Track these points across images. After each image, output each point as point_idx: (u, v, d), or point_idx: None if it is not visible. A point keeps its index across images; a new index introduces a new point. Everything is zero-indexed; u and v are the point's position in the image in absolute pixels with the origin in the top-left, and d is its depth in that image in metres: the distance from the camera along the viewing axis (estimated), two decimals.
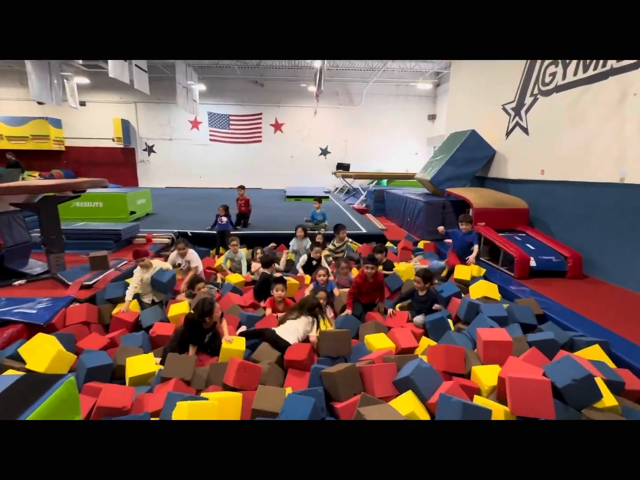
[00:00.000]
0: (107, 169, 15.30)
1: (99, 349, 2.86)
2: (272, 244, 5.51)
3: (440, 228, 4.78)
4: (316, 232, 5.98)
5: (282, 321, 3.08)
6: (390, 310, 3.49)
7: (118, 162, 15.74)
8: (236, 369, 2.33)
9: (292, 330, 2.94)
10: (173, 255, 4.49)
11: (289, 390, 2.29)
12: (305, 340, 2.93)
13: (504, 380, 2.19)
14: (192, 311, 2.88)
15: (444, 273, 4.55)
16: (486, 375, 2.38)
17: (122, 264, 4.57)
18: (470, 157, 7.04)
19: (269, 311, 3.48)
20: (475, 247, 4.66)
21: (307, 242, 5.13)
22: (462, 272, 4.32)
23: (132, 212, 6.91)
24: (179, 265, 4.42)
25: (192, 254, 4.49)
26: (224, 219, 5.96)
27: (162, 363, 2.65)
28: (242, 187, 7.13)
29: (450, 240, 5.13)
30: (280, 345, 2.81)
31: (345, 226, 5.24)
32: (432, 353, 2.61)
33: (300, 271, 4.58)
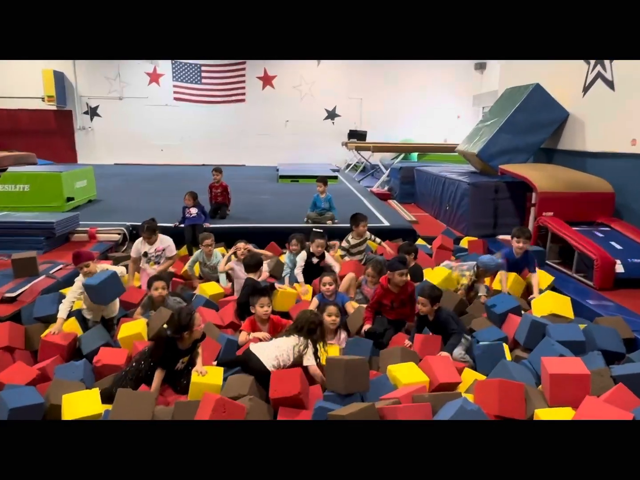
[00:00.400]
0: (34, 139, 15.39)
1: (25, 384, 2.88)
2: (265, 253, 5.21)
3: (503, 237, 4.42)
4: (320, 225, 5.99)
5: None
6: (406, 342, 3.49)
7: (50, 130, 15.82)
8: (212, 407, 2.35)
9: (271, 347, 2.95)
10: (137, 242, 4.65)
11: None
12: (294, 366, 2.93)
13: None
14: (164, 326, 2.94)
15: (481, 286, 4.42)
16: None
17: (57, 269, 4.61)
18: (533, 121, 7.01)
19: (244, 336, 3.44)
20: (534, 278, 4.23)
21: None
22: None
23: (70, 199, 6.96)
24: (146, 255, 4.55)
25: (166, 240, 4.64)
26: (194, 210, 5.97)
27: (107, 399, 2.68)
28: (218, 171, 6.99)
29: (507, 237, 5.04)
30: (251, 366, 2.84)
31: (366, 217, 5.26)
32: (480, 390, 2.61)
33: (300, 278, 4.59)
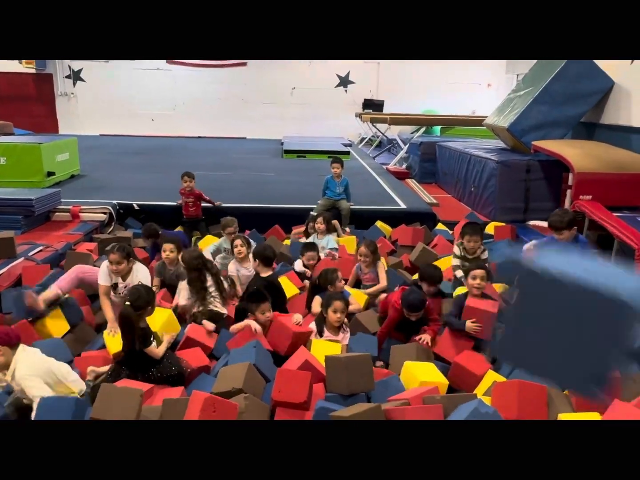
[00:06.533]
0: (11, 105, 15.49)
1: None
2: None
3: (535, 223, 4.18)
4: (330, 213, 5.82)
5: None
6: (425, 337, 3.47)
7: (28, 96, 15.90)
8: (200, 408, 2.42)
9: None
10: (105, 267, 3.73)
11: None
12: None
13: None
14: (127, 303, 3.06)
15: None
16: None
17: (36, 250, 4.70)
18: (572, 91, 6.91)
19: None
20: None
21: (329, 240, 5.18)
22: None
23: (50, 174, 7.04)
24: (115, 287, 3.77)
25: (142, 272, 3.82)
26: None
27: (91, 396, 2.80)
28: (189, 176, 5.89)
29: (539, 224, 4.85)
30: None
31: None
32: (498, 392, 2.67)
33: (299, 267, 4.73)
